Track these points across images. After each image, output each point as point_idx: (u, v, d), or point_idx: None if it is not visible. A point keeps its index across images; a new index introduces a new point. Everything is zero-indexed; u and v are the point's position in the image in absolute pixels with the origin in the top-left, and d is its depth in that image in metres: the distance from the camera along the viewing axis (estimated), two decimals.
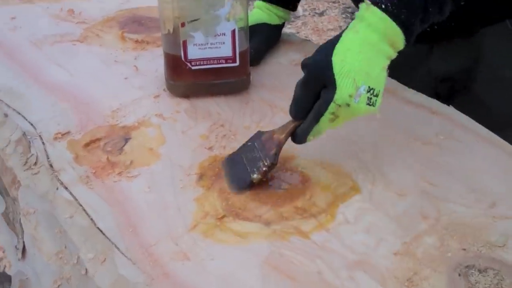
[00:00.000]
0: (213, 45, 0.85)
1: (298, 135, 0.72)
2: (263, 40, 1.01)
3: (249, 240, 0.65)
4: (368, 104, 0.68)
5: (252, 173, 0.72)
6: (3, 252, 0.79)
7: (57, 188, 0.73)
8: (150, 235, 0.66)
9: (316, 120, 0.69)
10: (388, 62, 0.70)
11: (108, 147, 0.80)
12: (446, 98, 1.09)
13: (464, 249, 0.64)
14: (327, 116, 0.68)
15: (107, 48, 1.06)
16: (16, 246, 0.78)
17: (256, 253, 0.64)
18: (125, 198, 0.72)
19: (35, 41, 1.08)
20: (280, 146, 0.73)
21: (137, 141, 0.82)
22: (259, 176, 0.71)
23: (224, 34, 0.85)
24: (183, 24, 0.83)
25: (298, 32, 2.77)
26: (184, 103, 0.90)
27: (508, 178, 0.74)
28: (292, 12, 1.09)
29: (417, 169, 0.76)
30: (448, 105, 0.89)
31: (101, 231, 0.66)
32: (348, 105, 0.67)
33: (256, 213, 0.69)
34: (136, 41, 1.07)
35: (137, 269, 0.62)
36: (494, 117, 0.97)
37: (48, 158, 0.78)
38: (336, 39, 0.69)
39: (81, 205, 0.70)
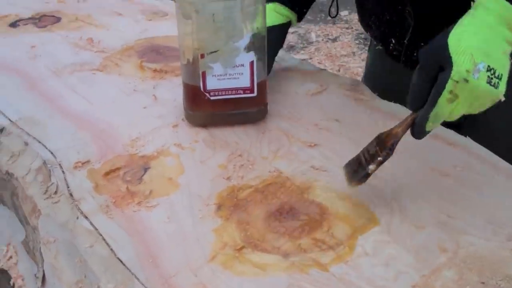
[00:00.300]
0: (232, 76, 0.86)
1: (417, 125, 0.69)
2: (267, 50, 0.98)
3: (268, 273, 0.66)
4: (489, 83, 0.64)
5: (368, 164, 0.72)
6: (23, 280, 0.80)
7: (77, 217, 0.73)
8: (170, 265, 0.67)
9: (434, 102, 0.66)
10: (509, 48, 0.67)
11: (127, 176, 0.81)
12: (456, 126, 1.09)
13: (483, 283, 0.64)
14: (445, 95, 0.65)
15: (126, 77, 1.07)
16: (35, 275, 0.79)
17: (275, 286, 0.64)
18: (145, 228, 0.72)
19: (54, 70, 1.09)
20: (397, 137, 0.71)
21: (156, 170, 0.82)
22: (374, 166, 0.71)
23: (243, 65, 0.85)
24: (202, 56, 0.84)
25: (311, 58, 2.78)
26: (203, 133, 0.91)
27: None
28: (297, 19, 1.05)
29: (435, 201, 0.76)
30: (465, 136, 0.89)
31: (121, 261, 0.67)
32: (466, 80, 0.64)
33: (274, 245, 0.69)
34: (155, 71, 1.09)
35: None
36: (506, 143, 0.97)
37: (68, 187, 0.79)
38: (451, 27, 0.67)
39: (101, 235, 0.70)
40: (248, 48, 0.85)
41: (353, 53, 2.84)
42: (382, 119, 0.93)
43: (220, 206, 0.76)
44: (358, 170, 0.73)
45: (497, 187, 0.78)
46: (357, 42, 3.00)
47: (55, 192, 0.79)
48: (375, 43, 1.10)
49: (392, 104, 0.97)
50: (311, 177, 0.81)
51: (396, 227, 0.72)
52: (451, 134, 0.89)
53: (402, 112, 0.93)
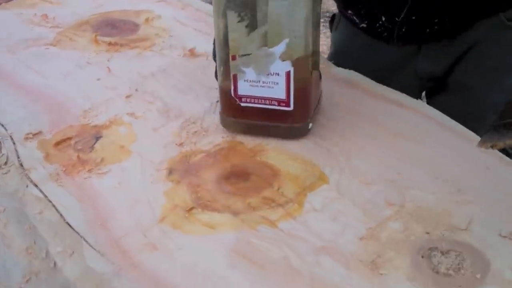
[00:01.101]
0: (266, 84, 0.77)
1: None
2: None
3: (217, 230, 0.66)
4: None
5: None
6: None
7: (27, 186, 0.73)
8: (119, 228, 0.67)
9: None
10: None
11: (78, 145, 0.81)
12: (430, 96, 1.10)
13: (428, 233, 0.65)
14: None
15: (80, 51, 1.06)
16: None
17: (223, 242, 0.64)
18: (95, 194, 0.72)
19: (8, 46, 1.08)
20: None
21: (108, 139, 0.82)
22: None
23: (278, 74, 0.76)
24: (234, 57, 0.76)
25: None
26: (157, 102, 0.91)
27: (473, 166, 0.76)
28: None
29: (384, 159, 0.77)
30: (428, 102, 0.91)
31: (70, 226, 0.67)
32: None
33: (224, 204, 0.70)
34: (110, 44, 1.08)
35: (105, 260, 0.62)
36: (479, 105, 0.99)
37: (18, 157, 0.78)
38: None
39: (50, 202, 0.70)
40: (283, 57, 0.75)
41: None
42: (337, 85, 0.94)
43: (172, 171, 0.76)
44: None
45: (445, 145, 0.80)
46: (322, 20, 3.00)
47: (5, 163, 0.78)
48: (356, 21, 1.06)
49: (347, 70, 0.98)
50: (264, 140, 0.81)
51: (345, 185, 0.73)
52: (402, 96, 0.90)
53: (356, 80, 0.94)
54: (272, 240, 0.65)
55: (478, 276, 0.60)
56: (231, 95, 0.79)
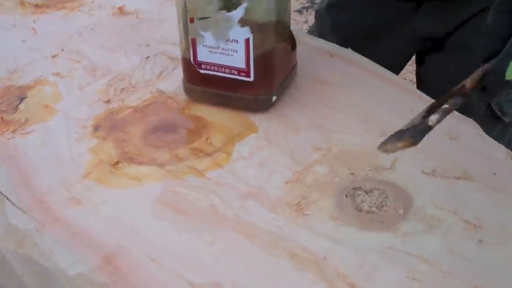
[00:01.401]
0: (225, 51, 0.72)
1: (493, 72, 0.55)
2: None
3: (143, 183, 0.65)
4: None
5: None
6: None
7: None
8: (43, 186, 0.65)
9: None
10: None
11: (2, 107, 0.78)
12: (422, 56, 1.07)
13: (352, 174, 0.66)
14: None
15: (5, 15, 1.02)
16: None
17: (149, 194, 0.64)
18: (18, 154, 0.70)
19: None
20: (462, 87, 0.58)
21: (32, 99, 0.80)
22: (436, 117, 0.57)
23: (237, 41, 0.71)
24: (192, 20, 0.72)
25: None
26: (84, 61, 0.89)
27: (399, 110, 0.76)
28: None
29: (312, 106, 0.77)
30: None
31: None
32: None
33: (151, 157, 0.69)
34: (36, 6, 1.04)
35: (28, 217, 0.61)
36: (476, 65, 0.97)
37: None
38: None
39: None
40: (243, 22, 0.70)
41: None
42: (308, 51, 0.91)
43: (98, 127, 0.74)
44: (419, 125, 0.58)
45: (372, 90, 0.80)
46: None
47: None
48: None
49: (330, 44, 0.94)
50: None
51: (273, 133, 0.73)
52: (331, 45, 0.90)
53: (325, 48, 0.90)
54: (199, 189, 0.65)
55: (401, 212, 0.61)
56: (190, 61, 0.75)
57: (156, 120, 0.75)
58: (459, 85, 0.59)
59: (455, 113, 0.76)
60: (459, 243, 0.58)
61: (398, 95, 0.80)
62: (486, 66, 0.57)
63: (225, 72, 0.73)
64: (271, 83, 0.75)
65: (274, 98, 0.76)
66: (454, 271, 0.55)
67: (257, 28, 0.70)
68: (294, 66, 0.81)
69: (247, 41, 0.70)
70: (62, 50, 0.91)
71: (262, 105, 0.76)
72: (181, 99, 0.79)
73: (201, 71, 0.75)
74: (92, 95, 0.81)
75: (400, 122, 0.74)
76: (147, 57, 0.90)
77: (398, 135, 0.58)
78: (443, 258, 0.56)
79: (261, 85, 0.74)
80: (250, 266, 0.56)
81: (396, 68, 1.05)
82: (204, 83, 0.76)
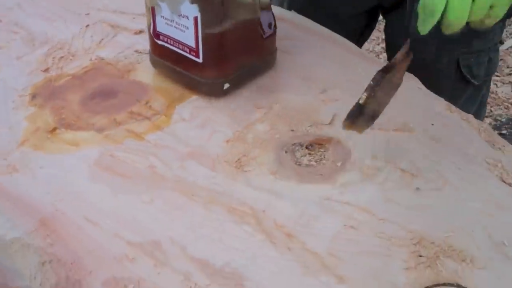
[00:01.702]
0: (178, 26, 0.68)
1: (409, 25, 0.55)
2: None
3: (80, 147, 0.64)
4: None
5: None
6: None
7: None
8: None
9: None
10: None
11: None
12: (388, 12, 1.06)
13: (293, 130, 0.66)
14: None
15: None
16: None
17: (86, 158, 0.63)
18: None
19: None
20: (394, 60, 0.59)
21: None
22: (365, 94, 0.57)
23: (188, 18, 0.67)
24: None
25: None
26: (22, 32, 0.86)
27: (341, 69, 0.77)
28: None
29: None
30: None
31: None
32: None
33: (89, 123, 0.68)
34: None
35: None
36: None
37: None
38: None
39: None
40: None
41: None
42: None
43: (35, 96, 0.73)
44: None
45: (315, 50, 0.80)
46: None
47: None
48: None
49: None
50: (134, 60, 0.79)
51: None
52: (278, 9, 0.90)
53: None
54: (138, 151, 0.64)
55: (339, 164, 0.62)
56: (150, 30, 0.72)
57: (95, 86, 0.74)
58: (391, 61, 0.59)
59: None
60: (395, 191, 0.59)
61: (342, 54, 0.80)
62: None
63: (179, 48, 0.70)
64: (223, 68, 0.70)
65: (227, 85, 0.70)
66: (390, 217, 0.56)
67: (206, 6, 0.66)
68: (270, 53, 0.75)
69: (195, 19, 0.66)
70: (0, 21, 0.89)
71: (212, 90, 0.71)
72: (122, 65, 0.78)
73: (159, 42, 0.72)
74: (30, 65, 0.79)
75: (342, 79, 0.75)
76: (87, 25, 0.88)
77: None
78: (380, 206, 0.57)
79: (211, 69, 0.69)
80: (188, 223, 0.55)
81: (361, 28, 1.04)
82: (164, 56, 0.73)
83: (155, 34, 0.72)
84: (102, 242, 0.54)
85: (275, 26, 0.74)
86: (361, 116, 0.58)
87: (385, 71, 0.58)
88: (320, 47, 0.82)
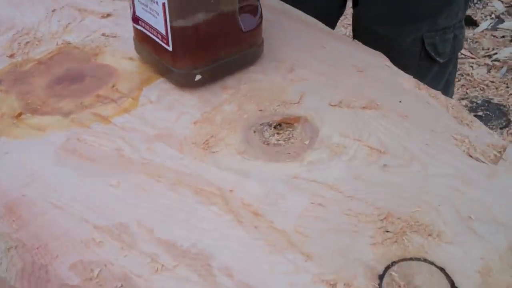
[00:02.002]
0: (152, 11, 0.66)
1: None
2: None
3: (46, 132, 0.64)
4: None
5: None
6: None
7: None
8: None
9: None
10: None
11: None
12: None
13: (261, 110, 0.66)
14: None
15: None
16: None
17: (52, 142, 0.62)
18: None
19: None
20: None
21: None
22: None
23: (157, 3, 0.64)
24: None
25: None
26: None
27: (309, 48, 0.76)
28: None
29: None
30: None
31: None
32: None
33: (55, 107, 0.67)
34: None
35: None
36: (415, 9, 0.96)
37: None
38: None
39: None
40: None
41: None
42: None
43: (0, 82, 0.71)
44: None
45: (283, 30, 0.80)
46: None
47: None
48: None
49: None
50: (101, 43, 0.78)
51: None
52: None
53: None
54: (104, 135, 0.63)
55: (307, 142, 0.62)
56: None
57: (61, 70, 0.73)
58: None
59: (362, 46, 0.77)
60: (363, 168, 0.59)
61: (309, 33, 0.80)
62: None
63: (153, 34, 0.68)
64: (194, 59, 0.67)
65: (198, 77, 0.68)
66: (358, 195, 0.56)
67: None
68: (253, 45, 0.71)
69: (163, 5, 0.63)
70: None
71: (182, 80, 0.69)
72: (89, 48, 0.77)
73: (137, 26, 0.71)
74: None
75: (308, 57, 0.74)
76: (54, 10, 0.87)
77: None
78: (348, 183, 0.57)
79: (181, 59, 0.67)
80: (155, 205, 0.55)
81: (333, 12, 1.04)
82: (142, 41, 0.71)
83: (134, 19, 0.71)
84: (68, 226, 0.54)
85: (260, 17, 0.71)
86: None
87: None
88: (289, 27, 0.81)
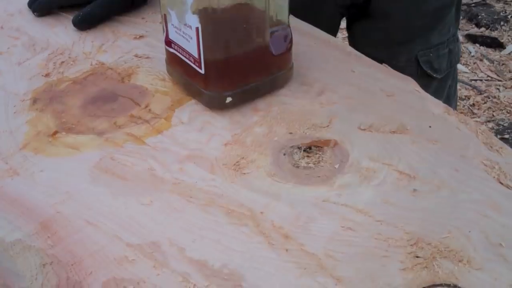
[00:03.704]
0: (185, 35, 0.67)
1: None
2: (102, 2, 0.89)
3: (81, 151, 0.65)
4: None
5: None
6: None
7: None
8: None
9: None
10: None
11: None
12: (352, 24, 1.09)
13: (291, 133, 0.67)
14: None
15: None
16: None
17: (86, 161, 0.64)
18: None
19: None
20: None
21: None
22: None
23: (191, 28, 0.66)
24: None
25: None
26: (22, 37, 0.87)
27: (337, 72, 0.77)
28: None
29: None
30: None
31: None
32: None
33: (89, 126, 0.69)
34: None
35: None
36: (401, 31, 0.99)
37: None
38: None
39: None
40: (193, 9, 0.64)
41: None
42: None
43: (36, 100, 0.74)
44: None
45: (312, 53, 0.81)
46: None
47: None
48: None
49: None
50: (134, 64, 0.80)
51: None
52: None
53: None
54: (137, 154, 0.65)
55: (337, 166, 0.62)
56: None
57: (96, 90, 0.75)
58: None
59: (392, 71, 0.77)
60: (393, 193, 0.59)
61: (337, 56, 0.81)
62: None
63: (185, 57, 0.70)
64: (225, 82, 0.69)
65: (229, 99, 0.69)
66: (387, 219, 0.56)
67: (207, 17, 0.64)
68: (283, 69, 0.73)
69: (197, 30, 0.65)
70: (1, 27, 0.90)
71: (213, 103, 0.70)
72: (122, 69, 0.79)
73: (170, 49, 0.72)
74: (31, 70, 0.80)
75: (337, 81, 0.75)
76: (88, 31, 0.89)
77: None
78: (377, 208, 0.58)
79: (212, 81, 0.69)
80: (187, 225, 0.56)
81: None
82: (175, 64, 0.73)
83: (167, 42, 0.72)
84: (102, 243, 0.55)
85: (290, 41, 0.73)
86: None
87: None
88: (318, 51, 0.82)
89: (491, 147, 0.67)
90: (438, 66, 0.98)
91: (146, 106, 0.71)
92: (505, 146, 0.67)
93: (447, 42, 0.99)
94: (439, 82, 1.00)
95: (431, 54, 0.97)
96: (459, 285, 0.50)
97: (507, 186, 0.61)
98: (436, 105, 0.73)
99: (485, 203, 0.59)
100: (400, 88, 0.75)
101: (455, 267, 0.52)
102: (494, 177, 0.62)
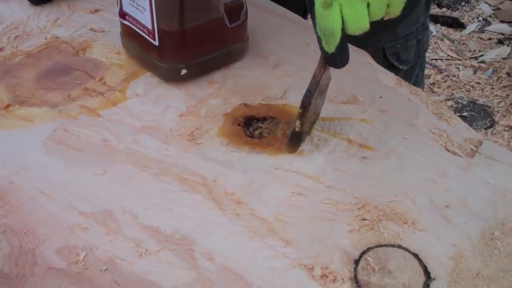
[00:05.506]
0: (138, 7, 0.67)
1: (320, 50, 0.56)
2: None
3: (35, 123, 0.65)
4: None
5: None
6: None
7: None
8: None
9: (312, 13, 0.55)
10: None
11: None
12: None
13: (245, 104, 0.68)
14: (318, 2, 0.54)
15: None
16: None
17: (40, 133, 0.64)
18: None
19: None
20: (314, 78, 0.60)
21: None
22: (298, 122, 0.60)
23: None
24: None
25: None
26: None
27: (293, 45, 0.78)
28: None
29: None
30: None
31: None
32: None
33: (43, 99, 0.68)
34: None
35: None
36: None
37: None
38: None
39: None
40: None
41: None
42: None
43: None
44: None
45: (268, 27, 0.82)
46: None
47: None
48: None
49: None
50: (89, 38, 0.80)
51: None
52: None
53: None
54: (91, 126, 0.65)
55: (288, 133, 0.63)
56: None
57: (50, 64, 0.74)
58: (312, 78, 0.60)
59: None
60: (343, 160, 0.61)
61: (294, 30, 0.82)
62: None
63: (139, 29, 0.69)
64: (180, 54, 0.69)
65: (184, 71, 0.69)
66: (337, 185, 0.58)
67: None
68: (238, 41, 0.73)
69: (150, 1, 0.65)
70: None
71: (168, 75, 0.70)
72: (77, 43, 0.78)
73: (124, 22, 0.72)
74: None
75: (293, 54, 0.76)
76: (43, 5, 0.88)
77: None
78: (327, 174, 0.59)
79: (167, 53, 0.68)
80: (140, 193, 0.57)
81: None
82: (129, 36, 0.73)
83: (121, 14, 0.72)
84: (55, 212, 0.55)
85: (246, 14, 0.73)
86: (301, 139, 0.61)
87: (310, 90, 0.59)
88: (274, 25, 0.83)
89: (441, 117, 0.69)
90: (405, 58, 0.95)
91: (101, 79, 0.71)
92: (455, 116, 0.69)
93: (416, 33, 0.96)
94: (405, 73, 0.98)
95: (398, 46, 0.94)
96: (404, 246, 0.52)
97: (454, 153, 0.63)
98: (388, 77, 0.75)
99: (432, 169, 0.61)
100: (354, 61, 0.76)
101: (400, 228, 0.54)
102: (441, 144, 0.64)
